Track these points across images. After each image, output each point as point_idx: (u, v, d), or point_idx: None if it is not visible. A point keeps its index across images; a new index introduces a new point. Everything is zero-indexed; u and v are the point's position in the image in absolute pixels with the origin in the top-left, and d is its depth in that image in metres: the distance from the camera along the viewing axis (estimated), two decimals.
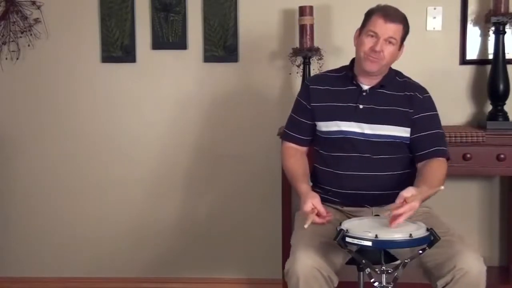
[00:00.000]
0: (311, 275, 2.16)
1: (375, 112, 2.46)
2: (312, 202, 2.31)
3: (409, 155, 2.50)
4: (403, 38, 2.45)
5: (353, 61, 2.56)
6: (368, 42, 2.40)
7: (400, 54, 2.49)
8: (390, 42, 2.39)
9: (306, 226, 2.21)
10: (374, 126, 2.44)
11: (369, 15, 2.44)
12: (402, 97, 2.48)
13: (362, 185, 2.43)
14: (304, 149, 2.62)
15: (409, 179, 2.45)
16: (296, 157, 2.58)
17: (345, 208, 2.50)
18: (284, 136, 2.65)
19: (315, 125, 2.55)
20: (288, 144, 2.62)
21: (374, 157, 2.44)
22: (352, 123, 2.45)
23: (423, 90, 2.53)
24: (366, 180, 2.43)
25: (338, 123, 2.47)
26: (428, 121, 2.47)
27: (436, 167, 2.42)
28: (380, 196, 2.42)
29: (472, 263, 2.14)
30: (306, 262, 2.17)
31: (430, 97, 2.53)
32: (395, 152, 2.46)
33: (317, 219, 2.27)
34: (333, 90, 2.52)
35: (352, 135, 2.45)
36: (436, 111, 2.52)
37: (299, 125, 2.59)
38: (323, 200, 2.49)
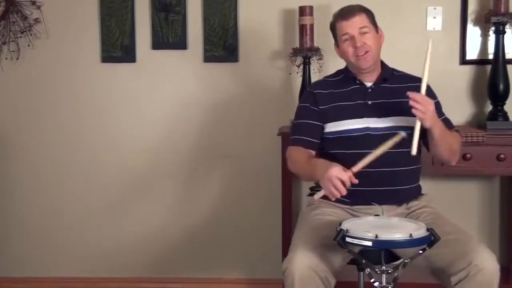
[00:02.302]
0: (307, 275, 2.16)
1: (385, 106, 2.48)
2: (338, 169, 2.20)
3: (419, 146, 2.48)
4: (374, 23, 2.49)
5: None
6: (348, 46, 2.46)
7: (383, 38, 2.53)
8: (364, 32, 2.44)
9: (316, 197, 2.26)
10: (386, 119, 2.46)
11: (333, 26, 2.52)
12: (406, 88, 2.46)
13: (372, 181, 2.41)
14: (313, 153, 2.52)
15: (416, 175, 2.51)
16: (300, 152, 2.48)
17: (354, 207, 2.49)
18: (293, 141, 2.56)
19: (323, 129, 2.52)
20: (294, 148, 2.52)
21: (387, 154, 2.39)
22: (365, 119, 2.47)
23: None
24: (377, 176, 2.41)
25: (350, 122, 2.48)
26: (436, 110, 2.46)
27: (451, 133, 2.50)
28: (389, 192, 2.43)
29: (487, 261, 2.15)
30: (303, 262, 2.16)
31: (429, 86, 2.55)
32: (406, 145, 2.40)
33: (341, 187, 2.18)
34: (338, 92, 2.54)
35: (366, 131, 2.46)
36: (437, 98, 2.57)
37: (309, 129, 2.53)
38: (326, 198, 2.49)
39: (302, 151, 2.49)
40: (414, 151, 2.30)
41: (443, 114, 2.57)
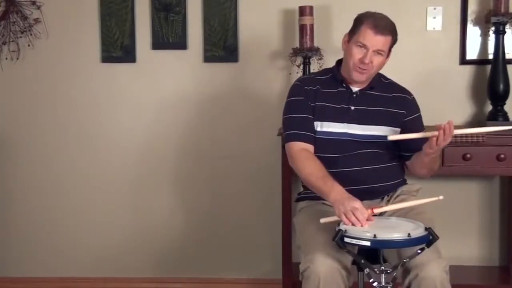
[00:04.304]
0: (331, 275, 2.16)
1: (367, 113, 2.49)
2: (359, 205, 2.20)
3: (395, 152, 2.54)
4: (390, 48, 2.47)
5: (338, 62, 2.60)
6: (357, 53, 2.42)
7: (387, 61, 2.51)
8: (379, 53, 2.42)
9: (323, 221, 2.24)
10: (366, 127, 2.48)
11: (359, 23, 2.44)
12: (391, 98, 2.54)
13: (353, 181, 2.42)
14: (313, 148, 2.49)
15: (394, 172, 2.53)
16: (313, 158, 2.44)
17: None
18: (291, 137, 2.50)
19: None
20: (298, 145, 2.47)
21: (364, 155, 2.47)
22: (345, 124, 2.48)
23: (408, 92, 2.61)
24: (356, 175, 2.45)
25: (331, 124, 2.48)
26: (418, 122, 2.54)
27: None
28: (366, 189, 2.45)
29: (430, 270, 2.14)
30: (327, 262, 2.16)
31: (414, 98, 2.61)
32: (384, 149, 2.50)
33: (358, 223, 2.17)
34: (324, 92, 2.53)
35: (344, 137, 2.47)
36: (420, 111, 2.61)
37: (307, 123, 2.50)
38: (315, 199, 2.50)
39: (315, 163, 2.42)
40: (391, 137, 2.37)
41: (424, 128, 2.53)
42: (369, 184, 2.46)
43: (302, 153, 2.46)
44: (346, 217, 2.16)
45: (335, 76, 2.56)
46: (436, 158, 2.45)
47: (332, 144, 2.47)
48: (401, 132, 2.49)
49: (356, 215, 2.15)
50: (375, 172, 2.47)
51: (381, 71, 2.58)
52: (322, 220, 2.26)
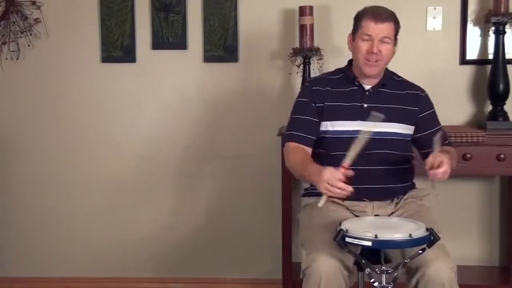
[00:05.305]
0: (333, 274, 2.16)
1: (380, 111, 2.45)
2: (330, 173, 2.19)
3: (409, 152, 2.55)
4: (396, 35, 2.49)
5: (350, 61, 2.60)
6: (363, 46, 2.44)
7: (396, 50, 2.52)
8: (385, 42, 2.43)
9: (320, 204, 2.22)
10: (379, 124, 2.44)
11: (358, 18, 2.48)
12: (404, 95, 2.54)
13: (363, 180, 2.40)
14: (309, 150, 2.50)
15: (407, 174, 2.54)
16: (297, 150, 2.47)
17: (345, 202, 2.47)
18: (289, 137, 2.54)
19: (320, 125, 2.52)
20: (293, 144, 2.51)
21: (377, 154, 2.45)
22: (358, 122, 2.47)
23: (421, 89, 2.61)
24: (367, 175, 2.43)
25: (343, 123, 2.48)
26: (433, 118, 2.56)
27: (448, 148, 2.49)
28: (378, 189, 2.46)
29: (438, 270, 2.14)
30: (329, 261, 2.17)
31: (427, 94, 2.62)
32: (397, 148, 2.49)
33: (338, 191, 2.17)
34: (335, 91, 2.53)
35: (357, 134, 2.41)
36: (434, 108, 2.62)
37: (306, 125, 2.51)
38: (321, 195, 2.49)
39: (299, 153, 2.46)
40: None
41: (439, 124, 2.58)
42: (379, 184, 2.46)
43: (292, 149, 2.49)
44: (330, 191, 2.17)
45: (347, 74, 2.56)
46: (451, 162, 2.38)
47: (345, 142, 2.41)
48: (415, 129, 2.52)
49: (334, 185, 2.15)
50: (386, 173, 2.47)
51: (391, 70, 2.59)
52: (320, 204, 2.25)
